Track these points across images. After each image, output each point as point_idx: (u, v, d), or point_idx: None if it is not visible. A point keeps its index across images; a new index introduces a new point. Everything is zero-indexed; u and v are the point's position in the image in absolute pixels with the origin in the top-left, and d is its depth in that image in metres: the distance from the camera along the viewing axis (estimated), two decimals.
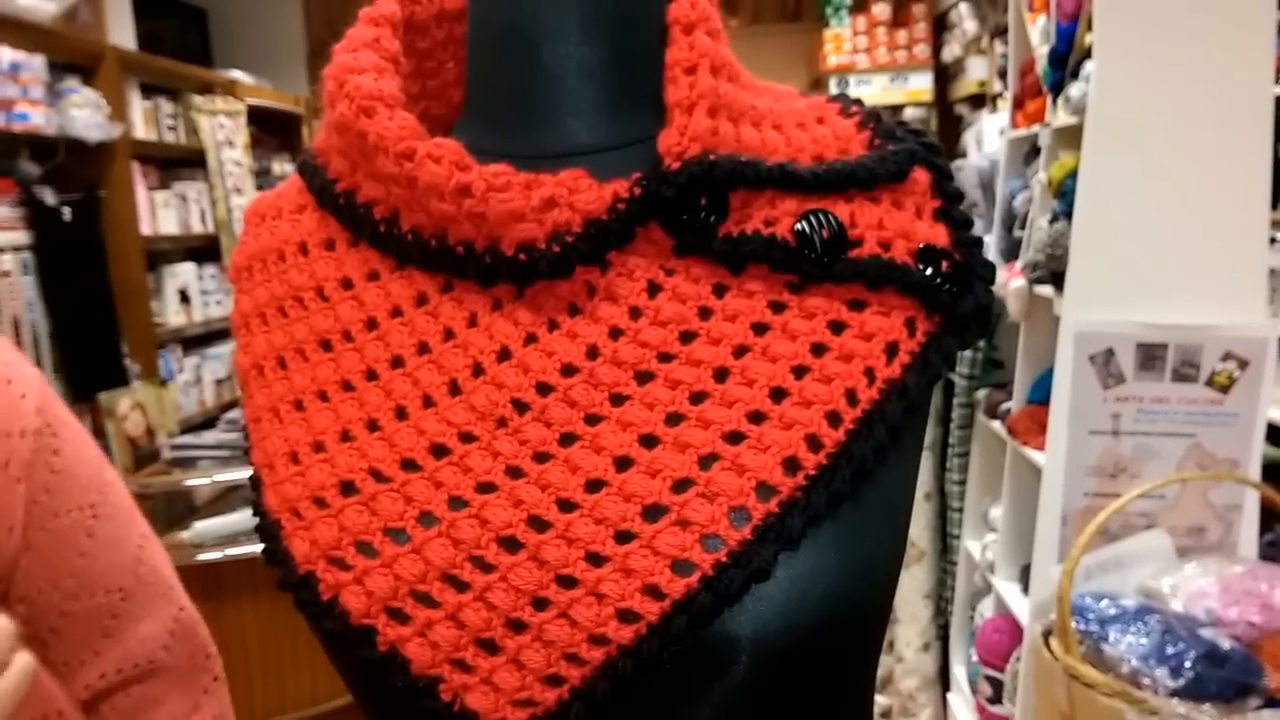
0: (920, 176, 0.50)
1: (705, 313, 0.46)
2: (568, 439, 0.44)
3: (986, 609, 2.12)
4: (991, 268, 0.49)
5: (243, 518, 2.30)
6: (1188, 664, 1.31)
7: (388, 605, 0.42)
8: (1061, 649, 1.43)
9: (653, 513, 0.42)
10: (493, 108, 0.52)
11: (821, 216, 0.47)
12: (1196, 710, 1.27)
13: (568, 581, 0.41)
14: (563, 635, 0.41)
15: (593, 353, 0.45)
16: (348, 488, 0.45)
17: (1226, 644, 1.35)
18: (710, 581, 0.40)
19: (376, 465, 0.45)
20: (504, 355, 0.46)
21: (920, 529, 2.48)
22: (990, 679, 1.98)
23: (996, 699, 1.96)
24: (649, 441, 0.43)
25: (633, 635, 0.40)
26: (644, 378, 0.45)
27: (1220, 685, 1.30)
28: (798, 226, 0.46)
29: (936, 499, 2.47)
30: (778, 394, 0.44)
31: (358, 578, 0.43)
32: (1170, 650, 1.33)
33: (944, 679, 2.49)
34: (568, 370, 0.45)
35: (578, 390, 0.45)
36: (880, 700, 2.55)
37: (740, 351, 0.45)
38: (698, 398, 0.44)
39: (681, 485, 0.42)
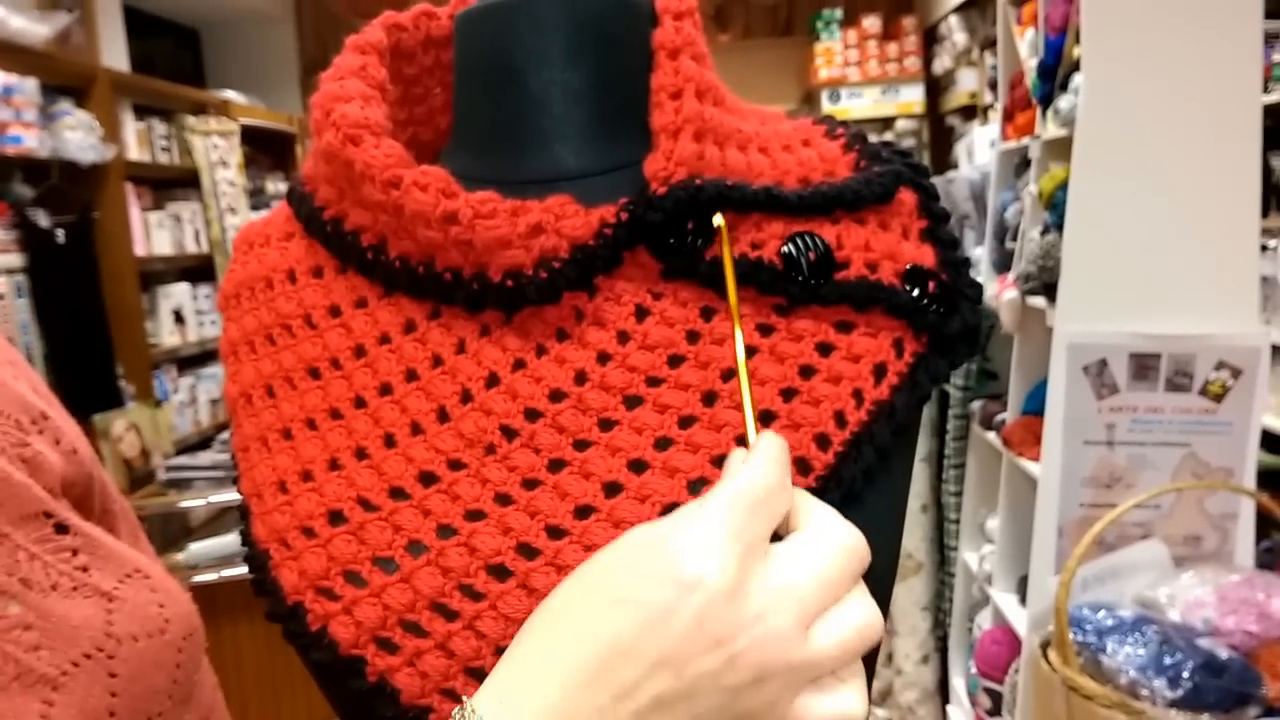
0: (906, 197, 0.50)
1: (693, 336, 0.46)
2: (556, 465, 0.44)
3: (985, 621, 2.12)
4: (979, 287, 0.49)
5: (238, 539, 2.28)
6: (1186, 674, 1.31)
7: (377, 635, 0.42)
8: (1060, 660, 1.43)
9: None
10: (479, 134, 0.52)
11: (808, 239, 0.47)
12: None
13: None
14: None
15: (581, 378, 0.45)
16: (336, 517, 0.45)
17: (1224, 653, 1.35)
18: None
19: (365, 494, 0.45)
20: (492, 381, 0.46)
21: (917, 541, 2.48)
22: (989, 691, 1.97)
23: (996, 711, 1.96)
24: (638, 467, 0.43)
25: None
26: (632, 402, 0.45)
27: (1219, 695, 1.30)
28: (784, 249, 0.46)
29: (933, 510, 2.47)
30: (766, 417, 0.44)
31: (346, 608, 0.43)
32: (1168, 660, 1.33)
33: (943, 691, 2.49)
34: (556, 396, 0.45)
35: (566, 416, 0.44)
36: (880, 713, 2.54)
37: (728, 375, 0.45)
38: (686, 422, 0.44)
39: (670, 511, 0.42)
